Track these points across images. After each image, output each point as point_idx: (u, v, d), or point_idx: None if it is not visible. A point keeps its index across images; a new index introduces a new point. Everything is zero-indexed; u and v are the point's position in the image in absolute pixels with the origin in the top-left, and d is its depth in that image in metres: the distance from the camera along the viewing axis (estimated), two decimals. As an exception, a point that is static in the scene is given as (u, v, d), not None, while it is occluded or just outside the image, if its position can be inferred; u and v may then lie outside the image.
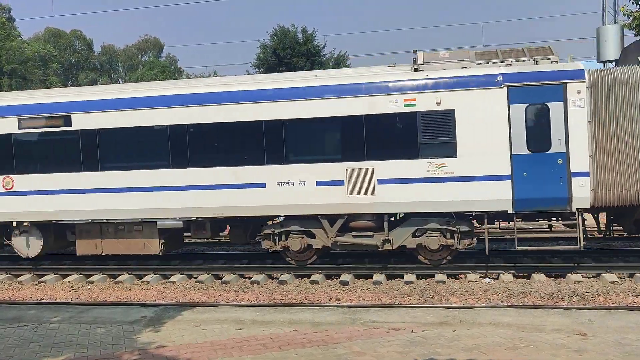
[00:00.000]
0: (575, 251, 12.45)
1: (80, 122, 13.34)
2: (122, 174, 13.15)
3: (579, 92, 11.32)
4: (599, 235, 14.26)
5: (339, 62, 41.22)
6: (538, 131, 11.50)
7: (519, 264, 12.78)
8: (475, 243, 12.54)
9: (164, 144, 12.93)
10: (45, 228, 14.08)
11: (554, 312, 8.92)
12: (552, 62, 11.85)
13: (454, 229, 12.13)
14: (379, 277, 12.40)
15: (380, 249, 12.50)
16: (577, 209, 11.48)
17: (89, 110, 13.30)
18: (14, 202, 13.73)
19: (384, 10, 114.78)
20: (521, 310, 9.25)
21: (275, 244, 12.98)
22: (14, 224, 14.02)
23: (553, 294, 10.84)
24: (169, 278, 13.41)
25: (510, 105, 11.52)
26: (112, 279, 13.74)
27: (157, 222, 13.26)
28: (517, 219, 12.23)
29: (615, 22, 23.22)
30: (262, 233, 13.23)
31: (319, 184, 12.28)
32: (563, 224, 12.45)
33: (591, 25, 49.87)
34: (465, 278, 12.26)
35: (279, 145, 12.43)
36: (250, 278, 13.07)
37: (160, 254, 13.66)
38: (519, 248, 12.04)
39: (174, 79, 48.15)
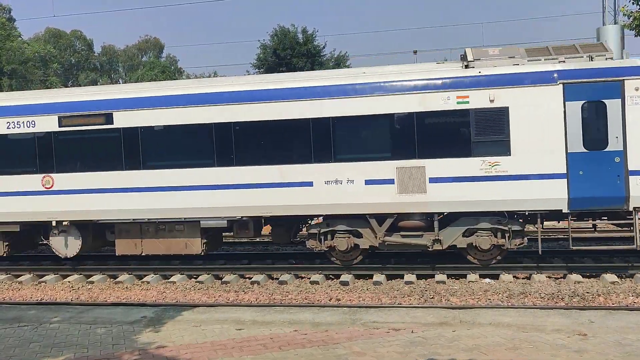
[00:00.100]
0: (632, 251, 12.09)
1: (122, 120, 13.16)
2: (165, 173, 12.96)
3: (637, 89, 11.13)
4: None
5: (339, 63, 41.21)
6: (595, 129, 11.32)
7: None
8: (526, 242, 12.27)
9: (209, 142, 12.75)
10: (84, 227, 13.85)
11: (554, 313, 8.92)
12: (606, 58, 11.63)
13: (506, 228, 11.95)
14: (379, 277, 12.40)
15: (430, 249, 12.30)
16: (634, 208, 11.30)
17: (132, 108, 13.12)
18: (54, 201, 13.53)
19: (385, 10, 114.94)
20: (521, 310, 9.25)
21: (321, 244, 12.80)
22: (53, 224, 13.80)
23: (553, 294, 10.84)
24: (169, 278, 13.41)
25: (566, 103, 11.32)
26: (112, 279, 13.74)
27: (201, 222, 13.04)
28: (572, 218, 11.98)
29: (615, 23, 23.19)
30: (306, 232, 13.05)
31: (367, 182, 12.06)
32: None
33: (591, 25, 49.93)
34: (466, 278, 12.25)
35: (326, 143, 12.23)
36: (250, 278, 13.06)
37: (202, 253, 13.46)
38: (574, 248, 11.96)
39: (173, 79, 48.16)
